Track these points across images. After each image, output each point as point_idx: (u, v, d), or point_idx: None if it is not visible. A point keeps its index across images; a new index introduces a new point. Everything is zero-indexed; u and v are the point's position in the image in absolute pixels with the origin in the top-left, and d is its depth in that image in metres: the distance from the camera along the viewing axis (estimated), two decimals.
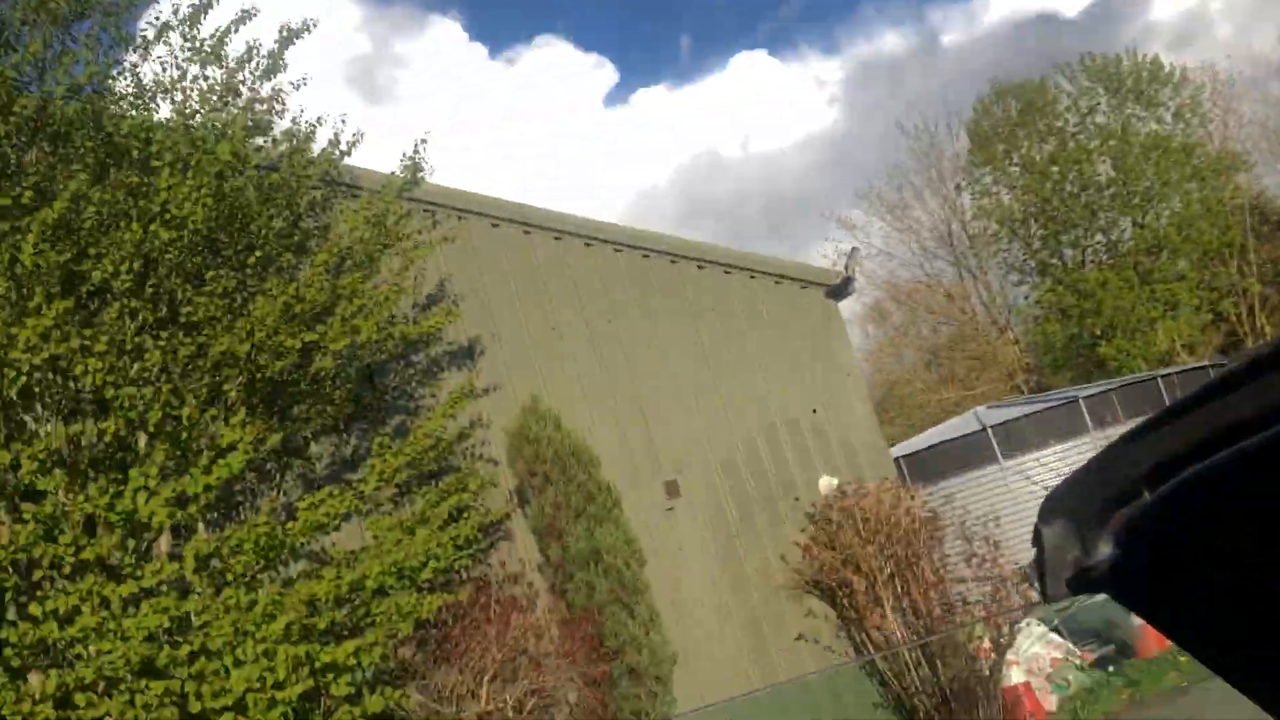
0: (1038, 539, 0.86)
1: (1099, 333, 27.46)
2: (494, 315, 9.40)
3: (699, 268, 10.73)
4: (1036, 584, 0.88)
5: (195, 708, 5.69)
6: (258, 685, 5.79)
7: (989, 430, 14.27)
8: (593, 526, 8.53)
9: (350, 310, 7.08)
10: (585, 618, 8.29)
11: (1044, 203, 29.34)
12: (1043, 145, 30.21)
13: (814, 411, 10.86)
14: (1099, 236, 29.36)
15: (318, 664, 6.05)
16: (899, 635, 9.66)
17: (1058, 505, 0.85)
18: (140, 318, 6.32)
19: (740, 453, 10.30)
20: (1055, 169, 29.01)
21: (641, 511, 9.42)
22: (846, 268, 11.20)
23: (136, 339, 6.17)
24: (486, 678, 7.46)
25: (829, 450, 10.82)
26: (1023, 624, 10.45)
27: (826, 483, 10.47)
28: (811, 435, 10.75)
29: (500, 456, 8.97)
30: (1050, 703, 10.43)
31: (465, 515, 7.74)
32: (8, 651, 5.42)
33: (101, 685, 5.69)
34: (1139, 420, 0.82)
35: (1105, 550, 0.82)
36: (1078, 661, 11.09)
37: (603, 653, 8.24)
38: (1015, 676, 10.19)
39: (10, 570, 5.67)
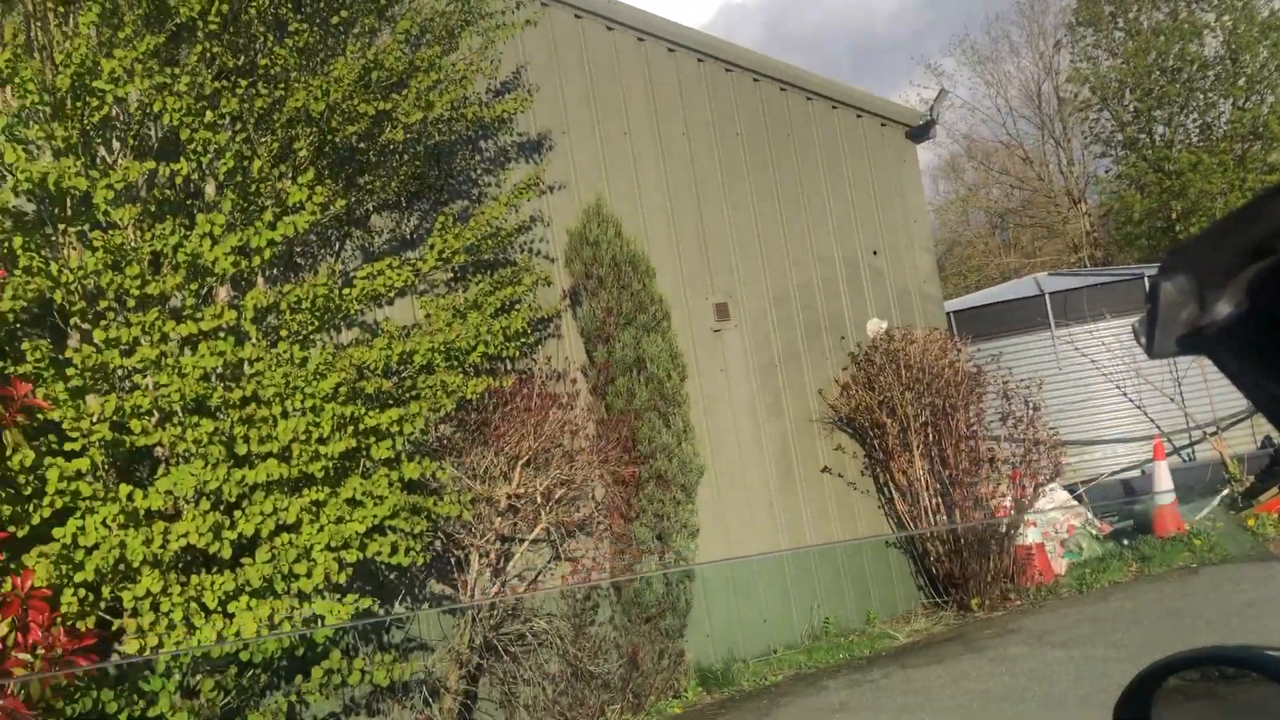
0: (1153, 294, 0.83)
1: (1177, 215, 26.59)
2: (567, 112, 9.25)
3: (781, 89, 10.43)
4: (1144, 339, 0.85)
5: (241, 449, 5.94)
6: (303, 437, 6.02)
7: (1046, 297, 14.04)
8: (640, 335, 8.61)
9: (426, 84, 6.98)
10: (622, 421, 8.48)
11: (1143, 74, 27.94)
12: (1154, 11, 28.57)
13: (874, 253, 10.74)
14: (1194, 117, 28.06)
15: (362, 426, 6.27)
16: (923, 481, 9.81)
17: (1181, 260, 0.82)
18: (219, 63, 6.28)
19: (794, 284, 10.26)
20: (1161, 39, 27.51)
21: (689, 328, 9.48)
22: (931, 109, 10.84)
23: (215, 84, 6.15)
24: (520, 463, 7.71)
25: (883, 294, 10.75)
26: (1047, 488, 10.57)
27: (875, 325, 10.45)
28: (868, 277, 10.66)
29: (558, 255, 8.99)
30: (1060, 566, 10.65)
31: (517, 308, 7.83)
32: (70, 371, 5.64)
33: (156, 416, 5.95)
34: None
35: (1224, 309, 0.79)
36: (1094, 531, 11.25)
37: (634, 456, 8.45)
38: (1031, 537, 10.38)
39: (78, 295, 5.84)
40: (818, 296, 10.38)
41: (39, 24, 5.95)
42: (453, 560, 7.72)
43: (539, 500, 7.81)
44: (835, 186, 10.65)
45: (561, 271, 8.97)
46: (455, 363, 7.18)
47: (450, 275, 8.09)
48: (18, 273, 5.55)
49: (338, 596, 6.30)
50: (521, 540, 7.90)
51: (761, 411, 9.88)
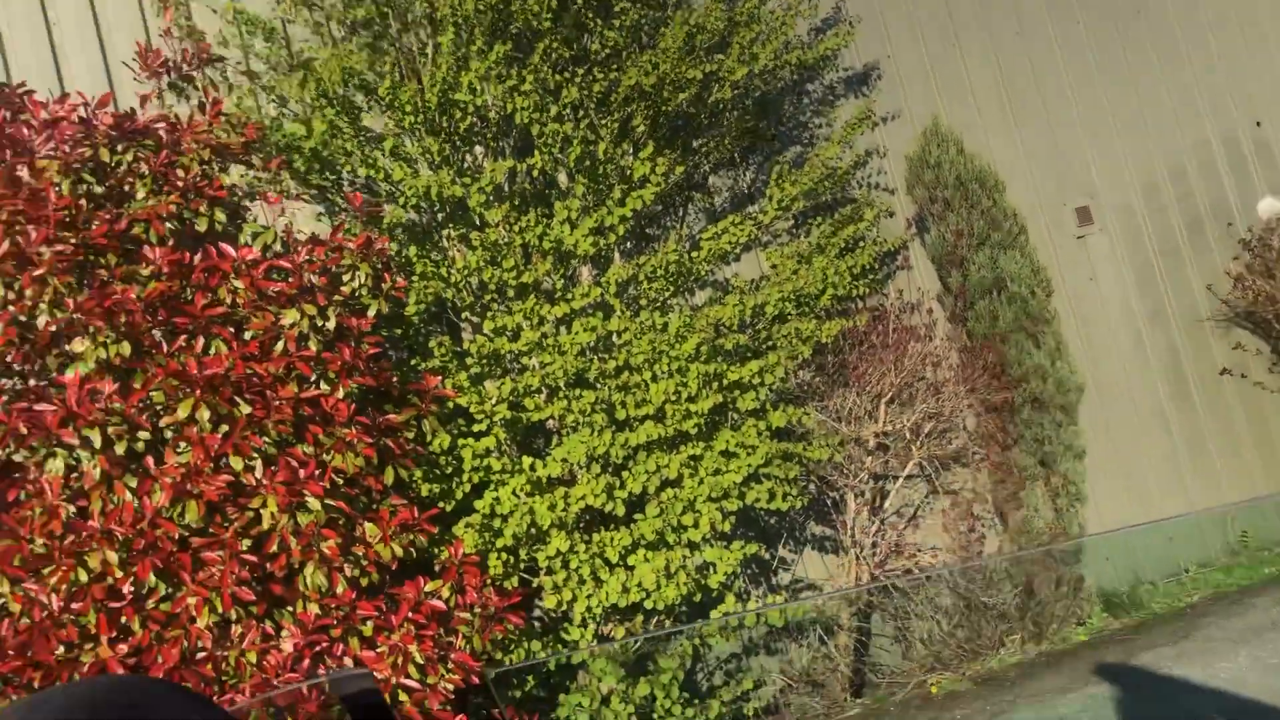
0: None
1: None
2: (889, 36, 8.97)
3: None
4: None
5: (621, 415, 6.36)
6: (674, 398, 6.34)
7: None
8: (996, 254, 8.25)
9: (748, 37, 7.05)
10: (986, 346, 8.19)
11: None
12: None
13: (1258, 125, 9.59)
14: None
15: (726, 381, 6.50)
16: None
17: None
18: (555, 55, 6.68)
19: (1164, 174, 9.38)
20: None
21: (1049, 239, 8.96)
22: None
23: (555, 78, 6.56)
24: (884, 400, 7.66)
25: (1273, 169, 9.59)
26: None
27: (1269, 205, 9.36)
28: (1253, 152, 9.55)
29: (898, 184, 8.79)
30: None
31: (861, 245, 7.76)
32: (469, 361, 6.28)
33: (544, 392, 6.49)
34: None
35: None
36: None
37: (1004, 381, 8.15)
38: None
39: (466, 292, 6.48)
40: (1194, 183, 9.44)
41: (404, 53, 6.62)
42: (828, 502, 7.84)
43: (908, 436, 7.73)
44: (1199, 58, 9.60)
45: (903, 200, 8.76)
46: (806, 309, 7.25)
47: (791, 223, 8.14)
48: (415, 279, 6.25)
49: (724, 544, 6.60)
50: (895, 477, 7.87)
51: (1142, 317, 9.16)
